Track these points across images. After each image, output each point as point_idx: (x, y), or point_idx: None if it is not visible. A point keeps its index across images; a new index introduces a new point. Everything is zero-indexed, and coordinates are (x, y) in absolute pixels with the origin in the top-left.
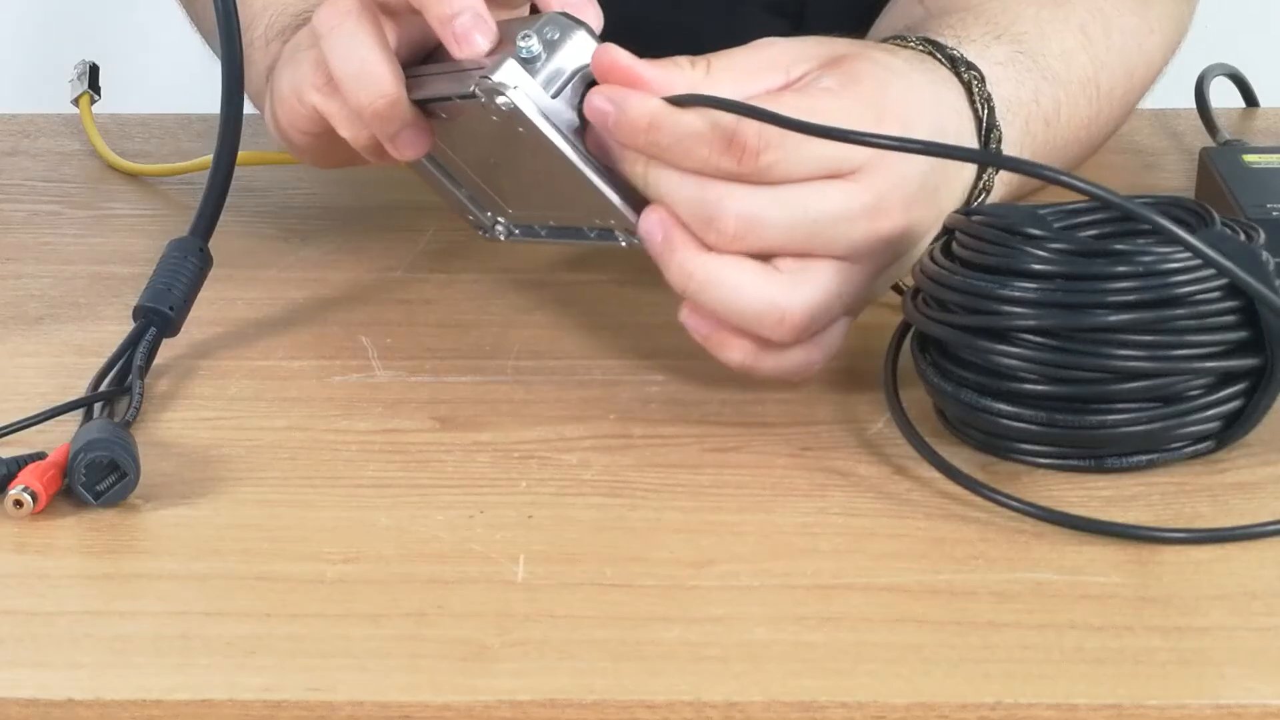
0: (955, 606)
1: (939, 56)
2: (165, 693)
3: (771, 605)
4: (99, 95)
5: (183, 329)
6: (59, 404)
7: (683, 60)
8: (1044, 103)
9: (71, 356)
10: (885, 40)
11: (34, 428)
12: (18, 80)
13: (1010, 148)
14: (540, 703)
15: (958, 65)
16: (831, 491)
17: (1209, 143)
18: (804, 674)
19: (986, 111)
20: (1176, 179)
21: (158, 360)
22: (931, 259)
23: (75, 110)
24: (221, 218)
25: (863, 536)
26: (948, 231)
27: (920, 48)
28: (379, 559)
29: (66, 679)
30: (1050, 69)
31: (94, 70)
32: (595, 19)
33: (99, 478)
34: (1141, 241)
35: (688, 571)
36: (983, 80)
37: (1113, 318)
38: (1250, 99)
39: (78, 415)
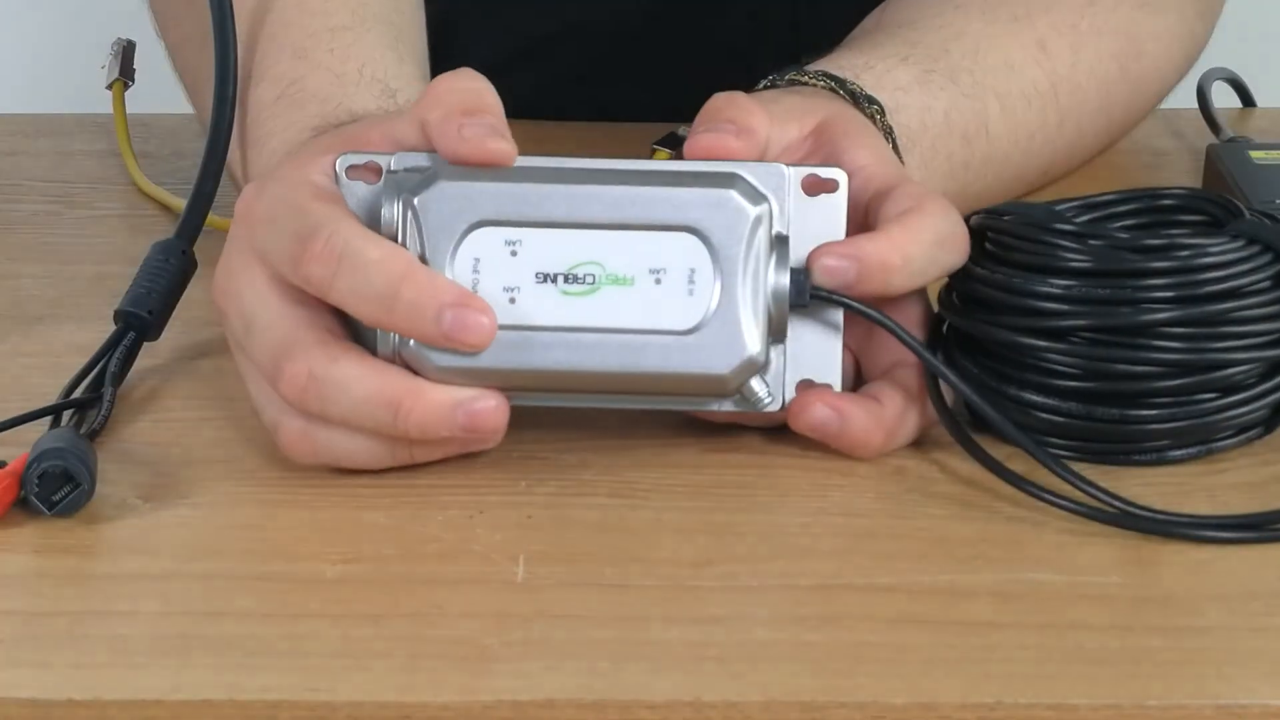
0: (955, 606)
1: (841, 93)
2: (165, 693)
3: (771, 605)
4: (132, 80)
5: (182, 327)
6: (25, 412)
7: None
8: (959, 119)
9: (72, 356)
10: (787, 77)
11: (6, 431)
12: (18, 80)
13: (916, 171)
14: (540, 703)
15: (859, 100)
16: (831, 491)
17: (1212, 142)
18: (804, 674)
19: (890, 141)
20: (1180, 178)
21: (157, 360)
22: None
23: (75, 111)
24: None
25: (863, 536)
26: (974, 232)
27: (822, 84)
28: (379, 559)
29: (66, 679)
30: (976, 84)
31: (128, 50)
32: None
33: (54, 488)
34: (1174, 233)
35: (688, 571)
36: (883, 112)
37: (1156, 315)
38: (1248, 101)
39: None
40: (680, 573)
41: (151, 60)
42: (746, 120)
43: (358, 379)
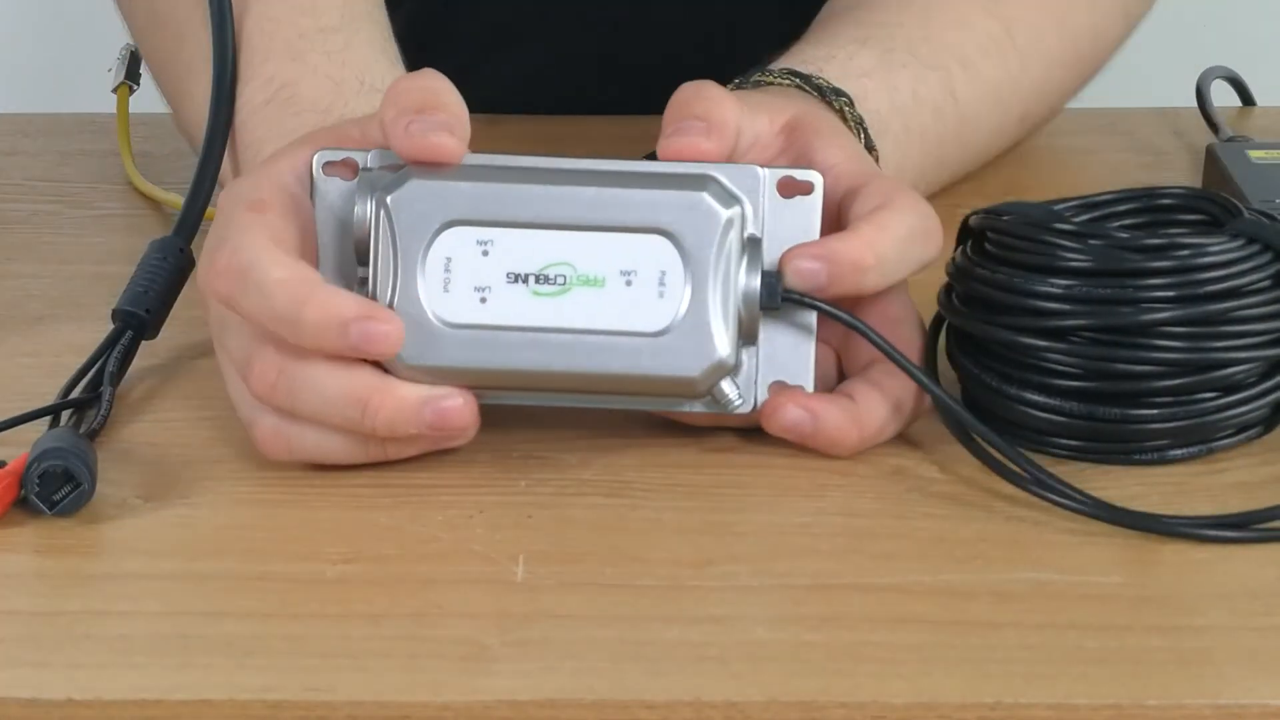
0: (955, 606)
1: (807, 89)
2: (165, 693)
3: (771, 605)
4: (138, 85)
5: (181, 327)
6: (24, 411)
7: (698, 127)
8: (926, 93)
9: (71, 356)
10: (753, 79)
11: (5, 431)
12: (18, 80)
13: (892, 155)
14: (540, 703)
15: (825, 95)
16: (831, 491)
17: (1211, 141)
18: (804, 674)
19: (863, 135)
20: (1179, 177)
21: (156, 359)
22: (966, 256)
23: (74, 110)
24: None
25: (863, 536)
26: (974, 232)
27: (786, 82)
28: (379, 559)
29: (66, 679)
30: (935, 51)
31: (135, 57)
32: None
33: (54, 487)
34: (1174, 233)
35: (688, 571)
36: (852, 103)
37: (1156, 315)
38: (1247, 99)
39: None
40: (680, 573)
41: None
42: (717, 114)
43: (326, 376)
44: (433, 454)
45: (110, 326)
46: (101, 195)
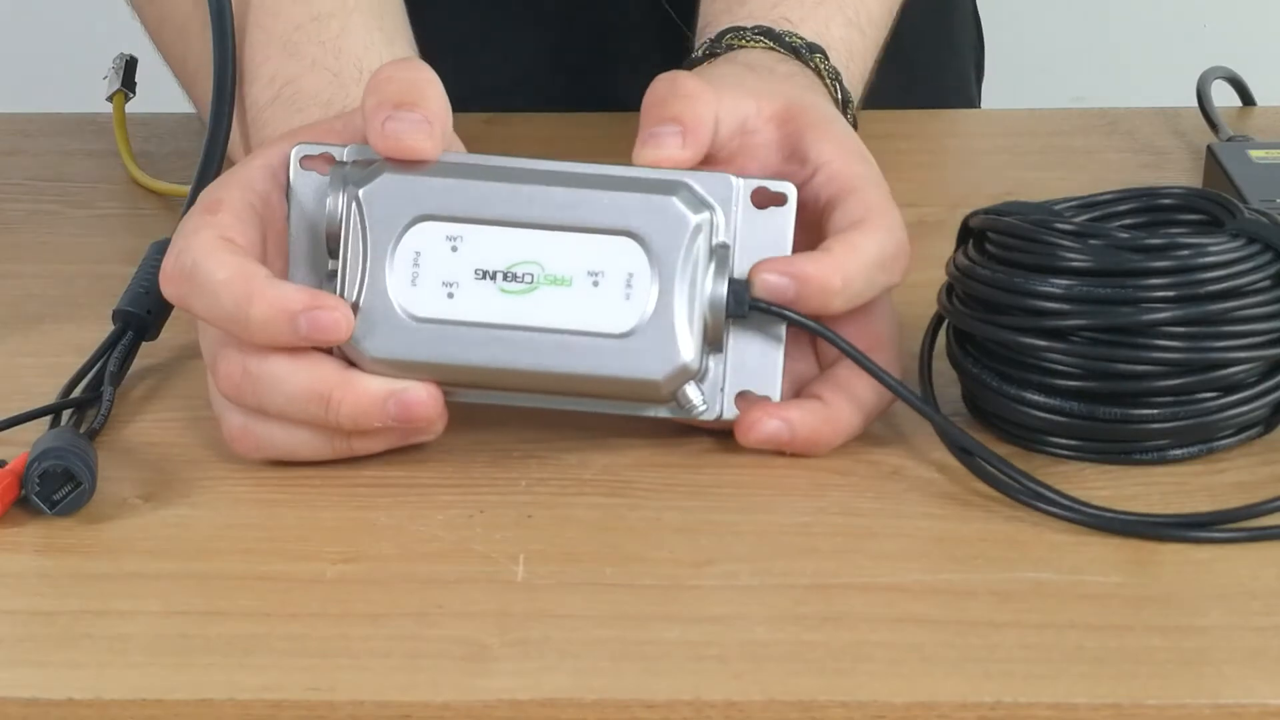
0: (955, 606)
1: (780, 49)
2: (165, 692)
3: (771, 605)
4: (134, 93)
5: (182, 327)
6: (24, 411)
7: (672, 140)
8: None
9: (71, 356)
10: (724, 35)
11: (5, 431)
12: (18, 80)
13: (859, 69)
14: (540, 702)
15: (801, 54)
16: (831, 491)
17: (1211, 141)
18: (804, 674)
19: (838, 87)
20: (1179, 176)
21: (156, 359)
22: (966, 256)
23: (74, 110)
24: None
25: (862, 536)
26: (974, 232)
27: (760, 44)
28: (379, 559)
29: (66, 679)
30: None
31: (130, 65)
32: None
33: (55, 487)
34: (1174, 232)
35: (688, 571)
36: (825, 54)
37: (1156, 315)
38: (1247, 100)
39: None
40: (680, 573)
41: (151, 61)
42: (691, 114)
43: (289, 373)
44: (433, 454)
45: (111, 327)
46: (102, 195)
